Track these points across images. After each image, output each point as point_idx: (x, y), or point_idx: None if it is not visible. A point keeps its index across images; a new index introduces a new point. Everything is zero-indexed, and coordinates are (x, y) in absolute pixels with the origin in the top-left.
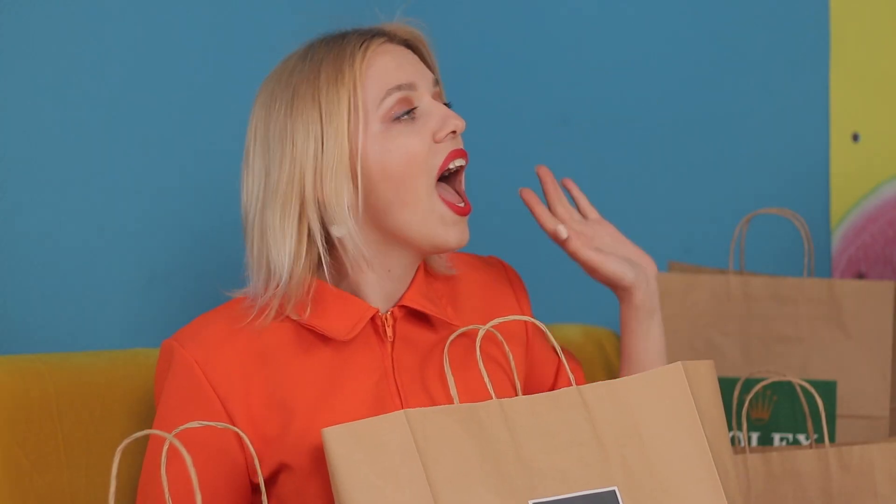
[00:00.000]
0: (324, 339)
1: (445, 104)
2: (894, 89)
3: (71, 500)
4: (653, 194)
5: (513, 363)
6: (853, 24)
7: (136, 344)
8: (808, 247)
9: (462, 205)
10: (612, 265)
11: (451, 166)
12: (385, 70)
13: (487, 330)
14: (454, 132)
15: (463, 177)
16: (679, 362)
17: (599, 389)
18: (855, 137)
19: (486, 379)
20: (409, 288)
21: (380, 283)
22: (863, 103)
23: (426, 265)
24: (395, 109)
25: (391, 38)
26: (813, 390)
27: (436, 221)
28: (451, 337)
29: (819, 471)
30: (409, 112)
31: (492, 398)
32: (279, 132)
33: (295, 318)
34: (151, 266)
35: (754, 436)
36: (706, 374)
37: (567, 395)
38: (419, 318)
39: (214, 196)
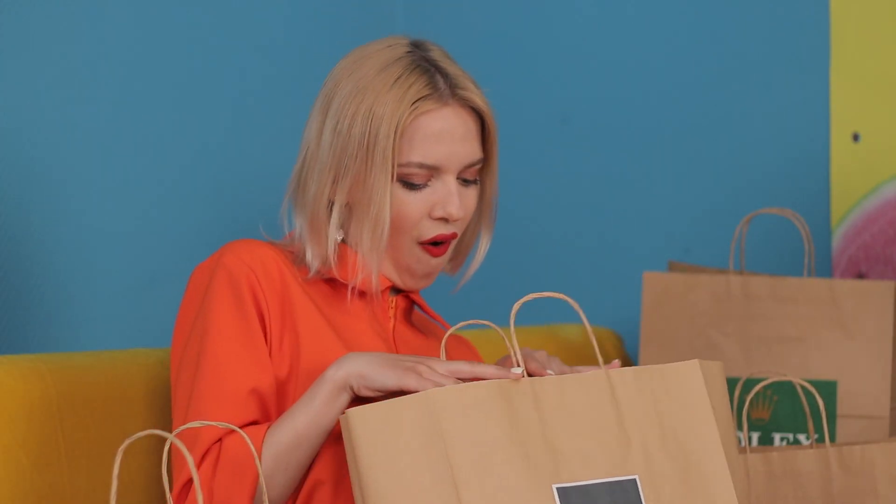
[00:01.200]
0: (346, 289)
1: (475, 178)
2: (894, 89)
3: (72, 501)
4: (653, 194)
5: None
6: (853, 25)
7: (137, 344)
8: (809, 247)
9: (435, 246)
10: None
11: (431, 245)
12: (422, 139)
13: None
14: (445, 219)
15: (447, 247)
16: (696, 360)
17: (626, 375)
18: (855, 137)
19: (516, 348)
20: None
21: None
22: (863, 103)
23: None
24: (409, 178)
25: (457, 99)
26: (813, 390)
27: (411, 259)
28: (450, 331)
29: (819, 471)
30: (425, 177)
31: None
32: (346, 122)
33: (318, 270)
34: (152, 267)
35: (755, 436)
36: (717, 374)
37: (595, 378)
38: (414, 317)
39: (215, 197)
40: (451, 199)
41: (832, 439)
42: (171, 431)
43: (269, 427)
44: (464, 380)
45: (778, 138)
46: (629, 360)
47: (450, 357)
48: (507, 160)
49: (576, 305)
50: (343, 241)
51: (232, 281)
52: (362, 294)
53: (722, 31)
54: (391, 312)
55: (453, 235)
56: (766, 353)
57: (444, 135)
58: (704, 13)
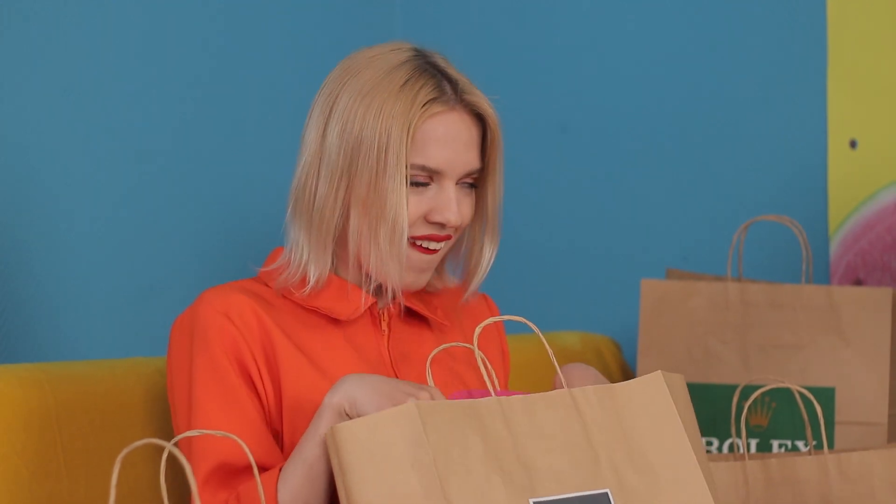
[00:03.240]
0: (326, 319)
1: (473, 183)
2: (892, 96)
3: None
4: (651, 201)
5: (491, 370)
6: (850, 31)
7: (136, 353)
8: (806, 253)
9: (426, 249)
10: None
11: (425, 245)
12: (425, 143)
13: (469, 343)
14: (442, 224)
15: (439, 252)
16: (659, 371)
17: (589, 393)
18: (852, 144)
19: (485, 372)
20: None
21: (362, 275)
22: (860, 110)
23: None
24: (412, 178)
25: (463, 105)
26: (812, 397)
27: (398, 263)
28: (438, 348)
29: (818, 477)
30: (426, 180)
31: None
32: (355, 124)
33: (297, 295)
34: (151, 276)
35: (753, 442)
36: (680, 384)
37: (560, 397)
38: (414, 317)
39: (213, 206)
40: (450, 206)
41: (830, 446)
42: (169, 441)
43: (280, 467)
44: None
45: (775, 145)
46: (627, 368)
47: (467, 314)
48: (506, 168)
49: (533, 326)
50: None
51: (211, 345)
52: (341, 322)
53: (720, 40)
54: (384, 325)
55: (446, 237)
56: (765, 359)
57: (450, 139)
58: (702, 22)
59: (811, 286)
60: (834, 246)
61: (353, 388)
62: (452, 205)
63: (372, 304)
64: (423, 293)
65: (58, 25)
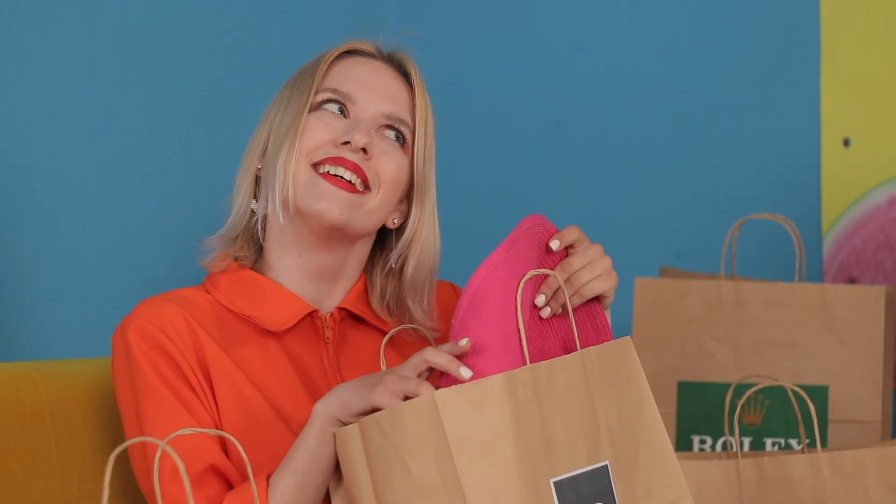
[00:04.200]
0: (259, 330)
1: (396, 139)
2: (885, 94)
3: None
4: (644, 199)
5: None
6: (844, 30)
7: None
8: (800, 252)
9: (335, 174)
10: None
11: (331, 170)
12: (342, 75)
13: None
14: (349, 143)
15: (354, 194)
16: (628, 337)
17: (592, 354)
18: (846, 142)
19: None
20: (349, 292)
21: (301, 278)
22: (853, 108)
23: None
24: (321, 102)
25: (388, 60)
26: (805, 395)
27: (305, 187)
28: (387, 337)
29: (811, 475)
30: (340, 111)
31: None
32: (270, 106)
33: (227, 304)
34: (143, 274)
35: (746, 441)
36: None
37: (573, 359)
38: (362, 323)
39: (207, 205)
40: (358, 127)
41: (824, 444)
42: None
43: (268, 477)
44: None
45: (769, 144)
46: None
47: (437, 306)
48: (500, 165)
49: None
50: (264, 225)
51: (149, 358)
52: (281, 334)
53: (713, 38)
54: (328, 333)
55: (354, 167)
56: (758, 358)
57: (367, 80)
58: (696, 20)
59: (805, 284)
60: (827, 244)
61: (341, 393)
62: (361, 126)
63: (313, 313)
64: (368, 296)
65: (55, 24)
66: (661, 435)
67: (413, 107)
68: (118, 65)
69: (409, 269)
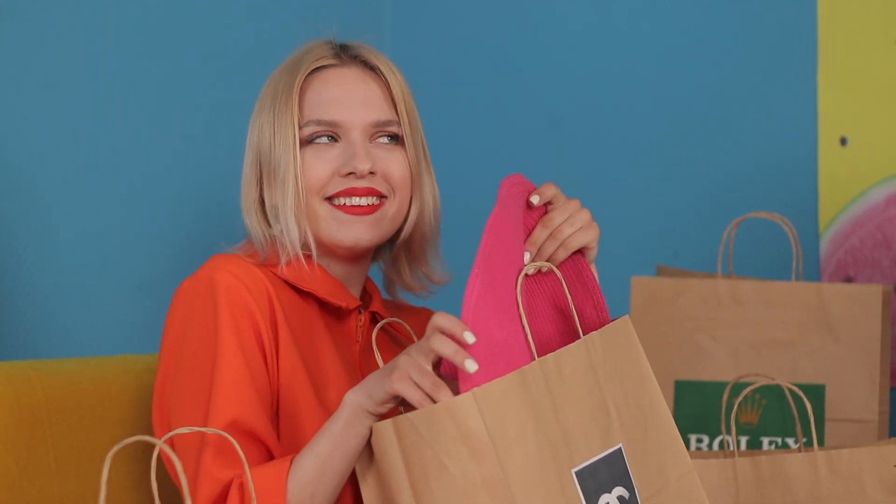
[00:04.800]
0: (318, 312)
1: (393, 141)
2: (882, 93)
3: None
4: (641, 198)
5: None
6: (841, 29)
7: (126, 350)
8: (797, 251)
9: (353, 205)
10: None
11: (348, 202)
12: (318, 100)
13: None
14: (352, 174)
15: (376, 212)
16: (626, 316)
17: (596, 339)
18: (843, 141)
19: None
20: (373, 300)
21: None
22: (850, 107)
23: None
24: (311, 136)
25: (354, 61)
26: (802, 394)
27: (328, 222)
28: (378, 326)
29: (808, 474)
30: (331, 138)
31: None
32: (253, 122)
33: (291, 280)
34: (141, 273)
35: (743, 440)
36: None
37: (577, 347)
38: (384, 333)
39: (203, 203)
40: (357, 154)
41: (820, 443)
42: (159, 438)
43: (292, 459)
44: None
45: (766, 143)
46: None
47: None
48: (496, 164)
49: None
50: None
51: (232, 308)
52: (334, 311)
53: (710, 37)
54: (358, 334)
55: (369, 190)
56: (755, 357)
57: (344, 94)
58: (693, 19)
59: (801, 283)
60: (824, 243)
61: (367, 382)
62: (359, 152)
63: (348, 312)
64: (396, 308)
65: (51, 23)
66: (663, 409)
67: (392, 98)
68: (117, 64)
69: (418, 238)
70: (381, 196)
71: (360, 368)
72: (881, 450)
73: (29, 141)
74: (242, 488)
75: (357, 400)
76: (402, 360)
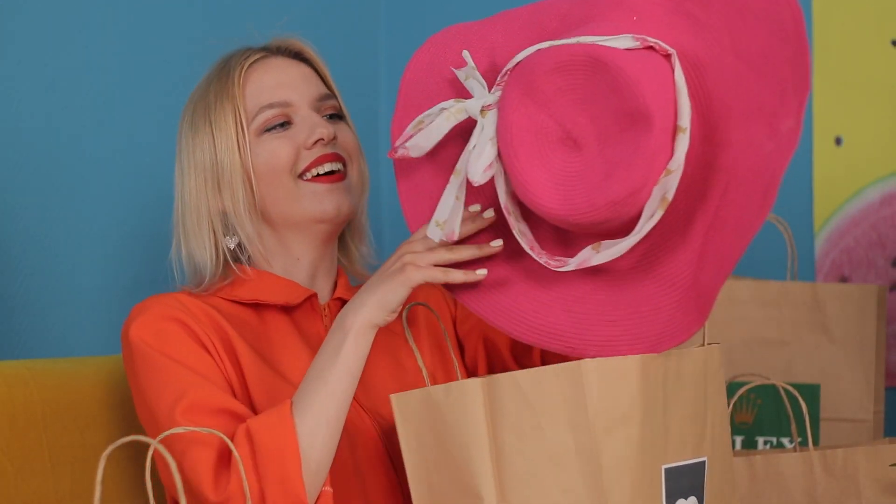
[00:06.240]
0: (274, 311)
1: (337, 114)
2: (876, 93)
3: None
4: None
5: (448, 340)
6: (835, 29)
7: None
8: (792, 250)
9: (324, 173)
10: None
11: (319, 171)
12: (261, 88)
13: (425, 315)
14: (321, 140)
15: (345, 179)
16: (718, 344)
17: (714, 353)
18: (837, 141)
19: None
20: (336, 285)
21: (290, 273)
22: (845, 107)
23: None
24: (267, 123)
25: (279, 52)
26: (797, 393)
27: (309, 199)
28: (405, 310)
29: (803, 474)
30: (283, 124)
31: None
32: (187, 147)
33: (229, 297)
34: (135, 273)
35: (738, 439)
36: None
37: (699, 355)
38: None
39: None
40: (317, 123)
41: (815, 443)
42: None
43: (291, 399)
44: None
45: None
46: None
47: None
48: None
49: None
50: (236, 261)
51: (169, 332)
52: (287, 310)
53: None
54: (325, 322)
55: (335, 156)
56: (750, 356)
57: (280, 79)
58: None
59: (796, 283)
60: (819, 243)
61: (369, 300)
62: (319, 120)
63: (312, 298)
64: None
65: (49, 22)
66: (730, 440)
67: (323, 78)
68: (115, 62)
69: (360, 215)
70: (344, 163)
71: None
72: (876, 449)
73: (24, 142)
74: (248, 433)
75: (364, 318)
76: (404, 255)
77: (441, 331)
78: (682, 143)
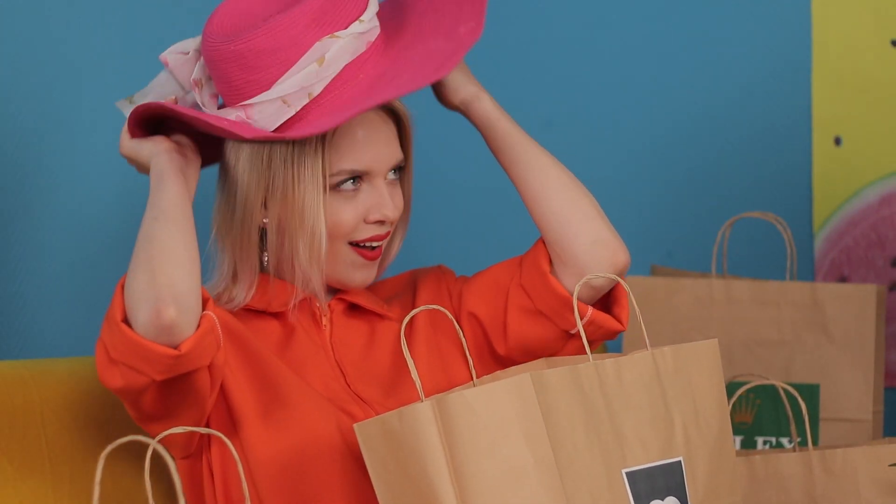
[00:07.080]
0: (266, 321)
1: (401, 166)
2: (876, 93)
3: None
4: (636, 198)
5: (465, 343)
6: (834, 29)
7: None
8: (791, 250)
9: (370, 250)
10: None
11: (367, 244)
12: (352, 143)
13: (436, 314)
14: (382, 221)
15: (381, 255)
16: (715, 339)
17: (666, 353)
18: (837, 141)
19: (412, 367)
20: (345, 291)
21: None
22: (845, 107)
23: None
24: (341, 181)
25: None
26: (796, 393)
27: (344, 265)
28: (409, 316)
29: (802, 474)
30: (354, 180)
31: (418, 388)
32: (258, 153)
33: (244, 299)
34: None
35: (738, 439)
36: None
37: (642, 358)
38: (358, 311)
39: (203, 204)
40: (385, 202)
41: (815, 443)
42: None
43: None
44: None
45: (760, 142)
46: None
47: (424, 287)
48: (491, 164)
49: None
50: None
51: None
52: (282, 315)
53: (705, 37)
54: (325, 321)
55: (387, 235)
56: (749, 356)
57: (370, 140)
58: (688, 19)
59: (796, 283)
60: (818, 243)
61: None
62: (387, 200)
63: (311, 301)
64: (368, 288)
65: (46, 21)
66: (730, 439)
67: (403, 135)
68: (112, 60)
69: (385, 266)
70: (389, 235)
71: (331, 349)
72: (875, 449)
73: (18, 142)
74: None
75: (165, 154)
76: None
77: (441, 330)
78: None
